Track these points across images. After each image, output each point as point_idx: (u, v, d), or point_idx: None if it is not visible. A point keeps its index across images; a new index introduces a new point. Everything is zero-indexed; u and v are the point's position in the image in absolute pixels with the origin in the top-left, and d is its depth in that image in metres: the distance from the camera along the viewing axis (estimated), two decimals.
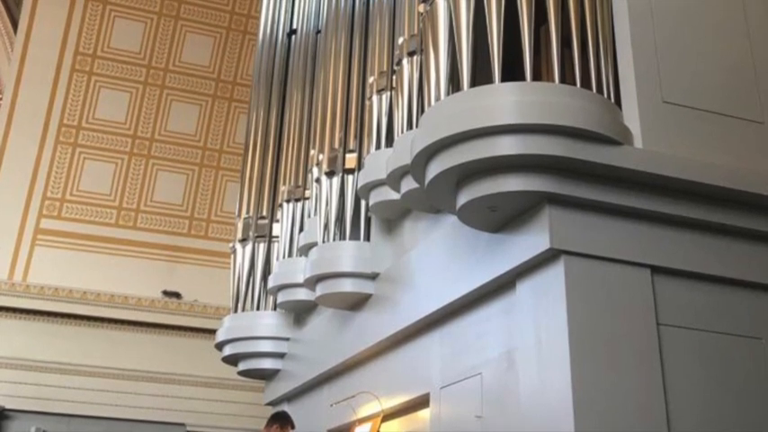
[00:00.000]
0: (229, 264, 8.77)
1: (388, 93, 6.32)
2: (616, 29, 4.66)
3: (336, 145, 7.00)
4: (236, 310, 8.30)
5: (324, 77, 7.58)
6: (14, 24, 14.03)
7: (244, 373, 8.59)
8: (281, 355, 8.18)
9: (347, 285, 6.46)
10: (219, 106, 13.73)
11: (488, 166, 4.22)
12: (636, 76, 4.49)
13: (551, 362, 4.06)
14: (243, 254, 8.36)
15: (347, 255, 6.49)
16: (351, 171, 6.81)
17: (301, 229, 7.61)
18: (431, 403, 5.30)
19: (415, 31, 5.82)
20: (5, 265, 12.58)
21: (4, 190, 12.70)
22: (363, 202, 6.57)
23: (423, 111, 5.12)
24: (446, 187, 4.48)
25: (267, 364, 8.26)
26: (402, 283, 5.85)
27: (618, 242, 4.25)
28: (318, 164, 7.14)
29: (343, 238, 6.64)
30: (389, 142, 6.11)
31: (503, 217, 4.47)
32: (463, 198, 4.39)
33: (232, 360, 8.47)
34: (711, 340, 4.29)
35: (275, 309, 8.13)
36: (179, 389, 12.87)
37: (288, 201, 7.90)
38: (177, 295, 13.16)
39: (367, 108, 6.62)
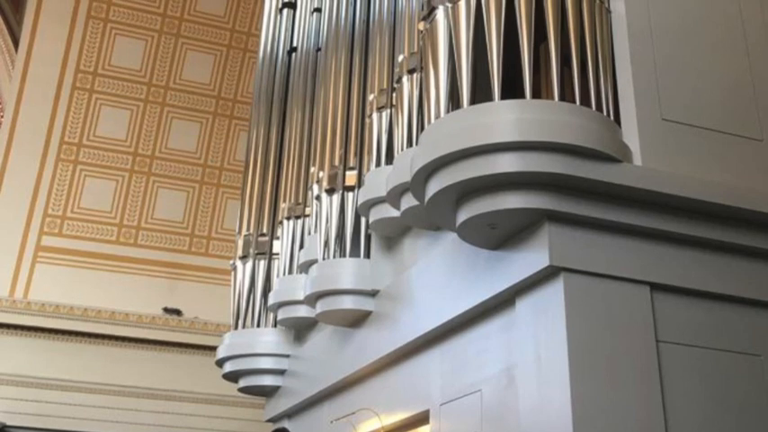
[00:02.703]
0: (230, 281, 8.76)
1: (388, 110, 6.32)
2: (615, 47, 4.67)
3: (336, 162, 6.99)
4: (236, 327, 8.28)
5: (324, 95, 7.58)
6: (15, 42, 14.09)
7: (244, 390, 8.57)
8: (281, 372, 8.16)
9: (347, 302, 6.45)
10: (220, 124, 13.76)
11: (488, 184, 4.23)
12: (635, 93, 4.49)
13: (551, 379, 4.07)
14: (243, 271, 8.35)
15: (347, 272, 6.48)
16: (351, 188, 6.80)
17: (301, 247, 7.60)
18: (431, 420, 5.28)
19: (415, 49, 5.82)
20: (6, 282, 12.59)
21: (5, 207, 12.73)
22: (363, 220, 6.57)
23: (422, 128, 5.10)
24: (446, 205, 4.48)
25: (267, 380, 8.24)
26: (402, 300, 5.85)
27: (617, 259, 4.25)
28: (318, 181, 7.14)
29: (343, 255, 6.63)
30: (389, 160, 6.10)
31: (502, 234, 4.47)
32: (463, 215, 4.39)
33: (232, 377, 8.45)
34: (711, 357, 4.29)
35: (275, 326, 8.11)
36: (180, 405, 12.87)
37: (288, 218, 7.89)
38: (178, 312, 13.17)
39: (367, 125, 6.62)
